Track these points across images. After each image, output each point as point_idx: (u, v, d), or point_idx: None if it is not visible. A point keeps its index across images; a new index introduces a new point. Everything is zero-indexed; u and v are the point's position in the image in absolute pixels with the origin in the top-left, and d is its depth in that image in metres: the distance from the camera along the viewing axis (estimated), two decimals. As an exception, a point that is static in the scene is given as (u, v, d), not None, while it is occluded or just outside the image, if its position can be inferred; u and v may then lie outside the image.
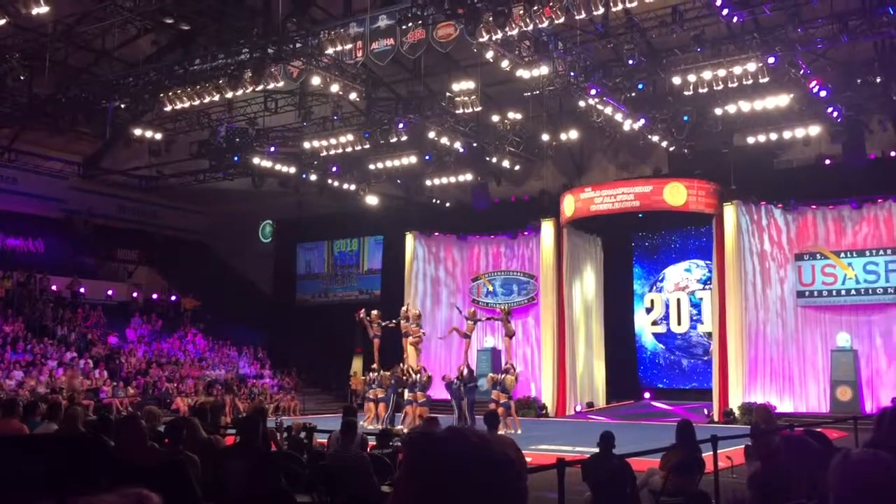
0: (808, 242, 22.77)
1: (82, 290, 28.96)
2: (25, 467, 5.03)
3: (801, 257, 22.75)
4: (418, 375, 20.73)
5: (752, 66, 17.23)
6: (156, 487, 4.63)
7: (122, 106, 21.19)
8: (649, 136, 21.98)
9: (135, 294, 30.81)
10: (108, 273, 31.21)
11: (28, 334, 24.61)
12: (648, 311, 27.44)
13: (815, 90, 18.94)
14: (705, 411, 22.53)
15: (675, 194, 23.04)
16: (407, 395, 20.54)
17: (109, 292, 30.09)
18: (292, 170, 25.43)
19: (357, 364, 27.24)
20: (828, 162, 22.75)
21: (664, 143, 22.57)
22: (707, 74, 17.67)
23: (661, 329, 27.23)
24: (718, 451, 9.19)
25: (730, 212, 22.75)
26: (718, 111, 20.08)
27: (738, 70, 17.37)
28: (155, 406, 17.82)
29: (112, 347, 26.18)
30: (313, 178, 25.83)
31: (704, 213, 23.30)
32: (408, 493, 1.23)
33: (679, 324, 26.84)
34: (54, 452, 5.69)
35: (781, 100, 19.19)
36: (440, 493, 1.20)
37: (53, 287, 28.28)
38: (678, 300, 26.89)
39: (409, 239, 27.92)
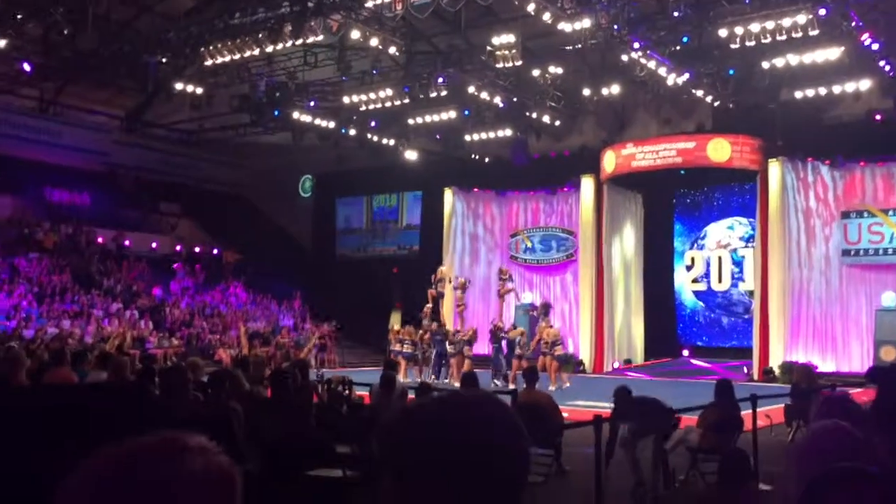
0: (856, 200, 22.28)
1: (127, 242, 29.50)
2: (76, 416, 5.17)
3: (848, 215, 22.28)
4: (461, 332, 21.06)
5: (801, 19, 16.71)
6: (200, 436, 4.73)
7: (164, 60, 21.31)
8: (693, 91, 21.54)
9: (178, 247, 31.30)
10: (151, 226, 31.71)
11: (75, 285, 25.21)
12: (689, 268, 27.18)
13: (866, 43, 18.34)
14: (745, 369, 22.39)
15: (719, 150, 22.65)
16: (450, 349, 20.72)
17: (153, 245, 30.61)
18: (331, 124, 25.43)
19: (395, 318, 27.46)
20: (878, 118, 22.11)
21: (708, 98, 22.10)
22: (755, 27, 17.18)
23: (701, 287, 26.98)
24: (758, 410, 9.16)
25: (775, 168, 22.32)
26: (766, 65, 19.54)
27: (786, 22, 16.86)
28: (198, 357, 18.24)
29: (156, 299, 26.72)
30: (352, 132, 25.82)
31: (749, 170, 22.90)
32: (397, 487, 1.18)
33: (720, 282, 26.55)
34: (104, 401, 5.84)
35: (831, 53, 18.61)
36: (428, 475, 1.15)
37: (99, 239, 28.85)
38: (719, 258, 26.58)
39: (448, 194, 27.89)
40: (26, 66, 22.27)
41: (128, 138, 30.97)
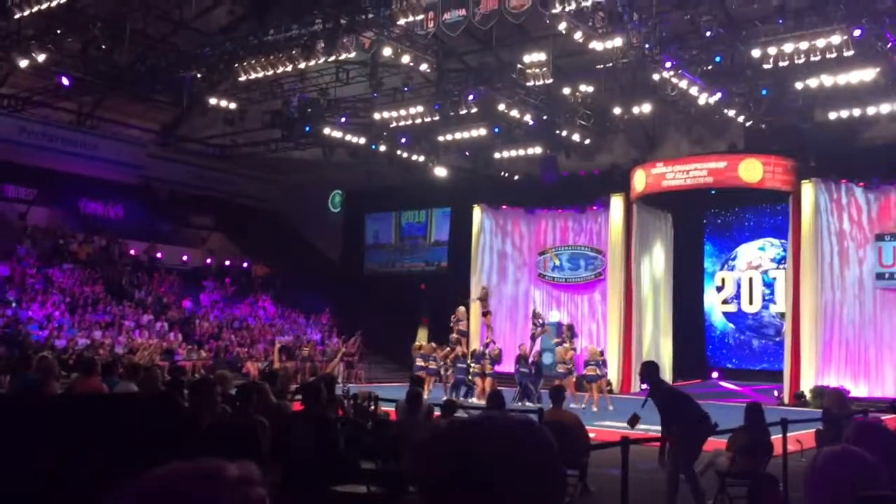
0: (890, 222, 21.95)
1: (159, 254, 29.86)
2: (106, 427, 5.23)
3: (882, 237, 21.94)
4: (487, 349, 21.08)
5: (836, 39, 16.56)
6: (226, 449, 4.77)
7: (199, 75, 21.62)
8: (725, 111, 21.40)
9: (208, 260, 31.60)
10: (183, 239, 32.07)
11: (107, 296, 25.54)
12: (719, 289, 26.93)
13: (902, 64, 18.13)
14: (775, 393, 22.07)
15: (751, 171, 22.46)
16: (474, 366, 20.72)
17: (184, 258, 30.94)
18: (362, 140, 25.59)
19: (422, 335, 27.48)
20: (915, 139, 21.82)
21: (740, 118, 21.95)
22: (788, 47, 17.04)
23: (731, 308, 26.70)
24: (788, 435, 9.02)
25: (808, 189, 22.08)
26: (799, 85, 19.36)
27: (821, 43, 16.71)
28: (226, 369, 18.36)
29: (186, 311, 26.97)
30: (383, 148, 25.96)
31: (781, 191, 22.67)
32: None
33: (751, 303, 26.27)
34: (133, 412, 5.90)
35: (866, 74, 18.39)
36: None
37: (132, 251, 29.24)
38: (750, 279, 26.30)
39: (477, 211, 27.91)
40: (65, 80, 22.70)
41: (162, 152, 31.40)
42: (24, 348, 18.28)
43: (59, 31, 19.05)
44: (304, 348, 25.85)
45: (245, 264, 32.16)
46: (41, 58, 19.54)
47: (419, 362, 21.25)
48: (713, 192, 23.78)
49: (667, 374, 25.55)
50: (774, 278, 25.60)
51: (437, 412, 9.72)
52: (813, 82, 18.96)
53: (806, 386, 21.29)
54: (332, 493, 6.05)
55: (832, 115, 20.98)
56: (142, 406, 6.40)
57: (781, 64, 17.39)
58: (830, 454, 2.10)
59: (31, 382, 8.68)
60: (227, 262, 31.89)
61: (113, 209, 30.61)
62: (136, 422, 5.62)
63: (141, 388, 9.15)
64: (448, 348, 21.68)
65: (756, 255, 26.40)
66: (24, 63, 19.77)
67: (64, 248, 27.24)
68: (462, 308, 23.69)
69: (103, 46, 19.30)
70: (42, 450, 4.64)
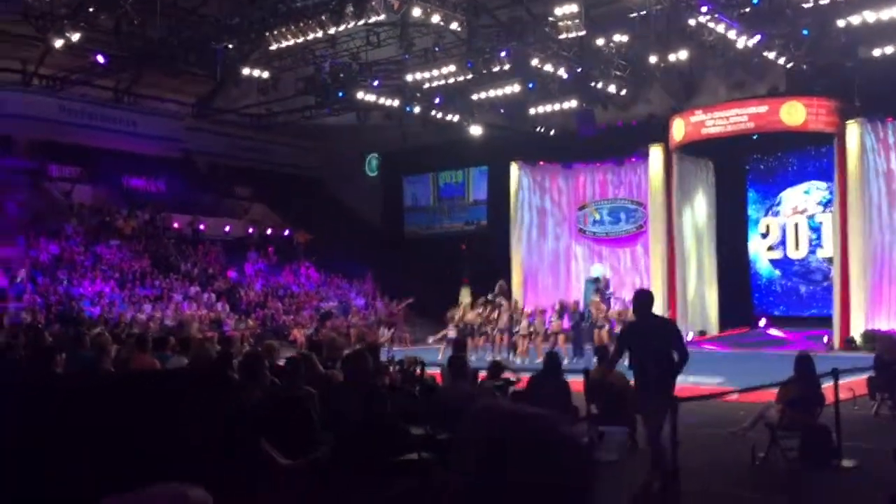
0: (941, 160, 21.36)
1: (201, 227, 30.24)
2: (159, 404, 5.35)
3: (932, 176, 21.38)
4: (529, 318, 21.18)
5: (879, -27, 15.98)
6: (277, 422, 4.84)
7: (230, 46, 21.64)
8: (765, 54, 20.84)
9: (250, 230, 31.94)
10: (224, 210, 32.41)
11: (154, 270, 26.01)
12: (764, 236, 26.51)
13: (951, -6, 17.45)
14: (825, 339, 21.79)
15: (793, 113, 21.94)
16: (522, 326, 20.86)
17: (227, 228, 31.30)
18: (396, 103, 25.48)
19: (465, 294, 27.55)
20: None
21: (781, 60, 21.35)
22: (829, -16, 16.50)
23: (777, 255, 26.29)
24: (840, 383, 8.92)
25: (853, 130, 21.53)
26: (841, 23, 18.74)
27: (863, -23, 16.15)
28: (273, 338, 18.62)
29: (231, 281, 27.37)
30: (417, 110, 25.83)
31: (825, 133, 22.13)
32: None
33: (797, 249, 25.83)
34: (186, 388, 6.02)
35: (912, 7, 17.76)
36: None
37: (175, 224, 29.65)
38: (796, 224, 25.83)
39: (514, 169, 27.74)
40: (100, 58, 22.88)
41: (200, 125, 31.63)
42: (78, 325, 18.73)
43: (91, 9, 19.14)
44: (352, 316, 26.12)
45: (287, 232, 32.44)
46: (75, 37, 19.67)
47: (453, 328, 21.39)
48: (755, 137, 23.29)
49: (713, 323, 25.43)
50: (821, 222, 25.10)
51: (482, 373, 9.79)
52: (855, 19, 18.34)
53: (856, 331, 20.99)
54: (383, 462, 6.13)
55: (877, 52, 20.31)
56: (193, 382, 6.53)
57: (822, 2, 16.85)
58: None
59: (86, 361, 8.91)
60: (269, 231, 32.20)
61: (155, 184, 31.01)
62: (187, 398, 5.74)
63: (192, 363, 9.35)
64: (490, 310, 21.70)
65: (801, 199, 25.88)
66: (58, 43, 19.94)
67: (110, 224, 27.72)
68: (502, 282, 23.63)
69: (135, 22, 19.38)
70: (97, 430, 4.76)
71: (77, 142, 28.22)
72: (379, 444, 6.13)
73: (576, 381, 9.05)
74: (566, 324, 20.64)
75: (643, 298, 7.59)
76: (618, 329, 19.55)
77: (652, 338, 7.13)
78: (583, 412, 8.43)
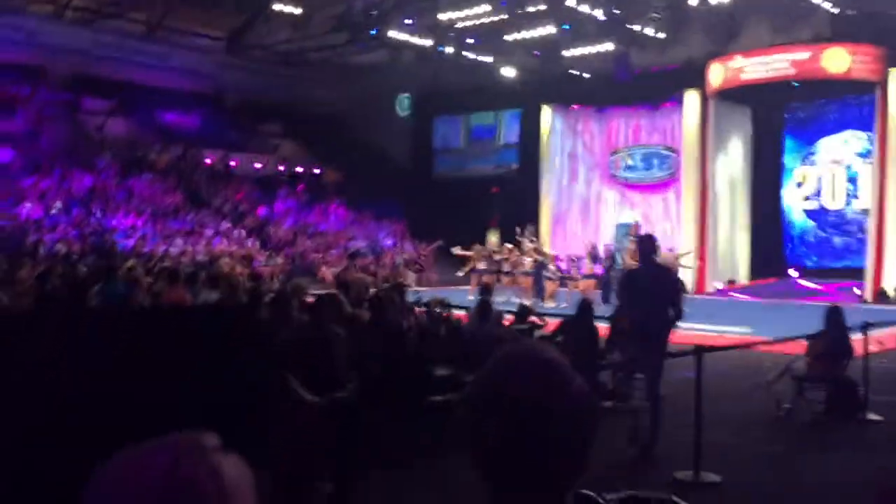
0: None
1: (232, 163, 30.34)
2: (189, 339, 5.44)
3: (977, 128, 20.79)
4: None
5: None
6: (303, 360, 4.89)
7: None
8: (810, -3, 20.23)
9: (281, 167, 32.00)
10: (255, 147, 32.44)
11: (187, 204, 26.24)
12: (799, 185, 26.07)
13: None
14: (856, 290, 21.56)
15: (836, 60, 21.35)
16: (551, 270, 20.87)
17: (257, 165, 31.38)
18: (428, 42, 25.17)
19: (493, 237, 27.53)
20: None
21: (826, 5, 20.73)
22: (881, -75, 15.88)
23: (812, 205, 25.89)
24: (870, 335, 8.84)
25: (898, 78, 20.94)
26: (891, -34, 18.11)
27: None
28: (301, 277, 18.78)
29: (261, 219, 27.55)
30: (449, 50, 25.49)
31: (868, 81, 21.54)
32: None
33: (833, 199, 25.40)
34: (216, 324, 6.11)
35: (968, -49, 17.07)
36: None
37: (207, 160, 29.77)
38: (833, 174, 25.35)
39: (546, 112, 27.39)
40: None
41: (231, 60, 31.49)
42: (112, 257, 19.00)
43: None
44: (384, 257, 26.23)
45: (316, 171, 32.46)
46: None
47: (482, 265, 21.46)
48: (795, 84, 22.74)
49: (742, 273, 25.23)
50: (858, 172, 24.61)
51: (509, 317, 9.82)
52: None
53: (889, 283, 20.75)
54: (406, 401, 6.21)
55: (927, -2, 19.64)
56: (222, 317, 6.62)
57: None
58: None
59: (119, 294, 9.06)
60: (299, 169, 32.23)
61: (187, 118, 31.05)
62: (216, 333, 5.83)
63: (222, 298, 9.47)
64: (518, 251, 21.67)
65: (839, 148, 25.34)
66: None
67: (142, 158, 27.90)
68: (531, 227, 23.52)
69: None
70: (129, 362, 4.86)
71: (109, 75, 28.25)
72: (403, 385, 6.21)
73: (601, 327, 9.07)
74: (598, 269, 20.57)
75: (647, 245, 7.38)
76: None
77: (653, 287, 6.94)
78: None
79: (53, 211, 22.75)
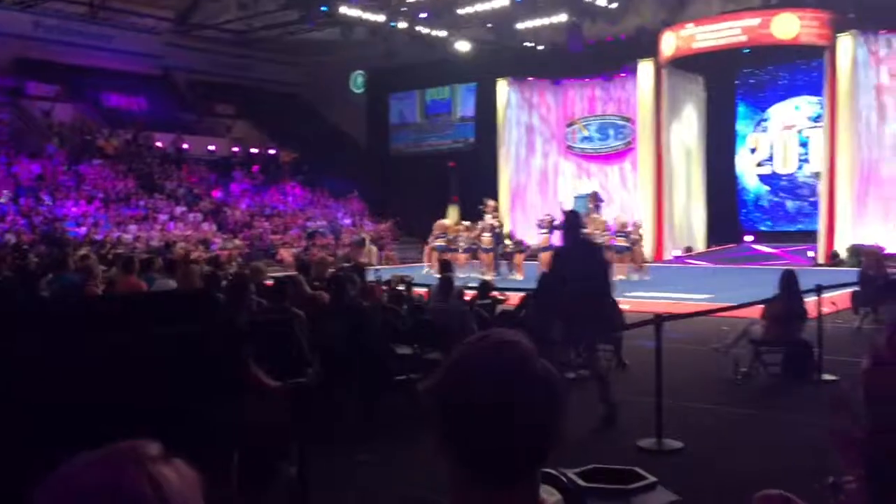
0: (932, 73, 21.19)
1: (185, 146, 29.84)
2: (146, 328, 5.33)
3: (923, 90, 21.23)
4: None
5: None
6: (266, 344, 4.83)
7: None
8: (758, -37, 20.38)
9: (235, 148, 31.56)
10: (207, 128, 31.95)
11: (139, 190, 25.76)
12: (752, 151, 26.43)
13: None
14: (810, 253, 21.99)
15: (785, 26, 21.59)
16: (509, 243, 20.92)
17: (211, 147, 30.91)
18: (381, 18, 24.86)
19: (453, 213, 27.52)
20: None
21: (775, -29, 20.92)
22: None
23: (765, 170, 26.28)
24: (824, 297, 9.01)
25: (846, 43, 21.25)
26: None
27: None
28: (260, 259, 18.60)
29: (217, 201, 27.18)
30: (402, 25, 25.22)
31: (817, 46, 21.83)
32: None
33: (785, 164, 25.81)
34: (171, 311, 6.01)
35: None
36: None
37: (158, 143, 29.22)
38: (784, 139, 25.74)
39: (502, 85, 27.34)
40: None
41: (179, 40, 30.88)
42: (64, 246, 18.62)
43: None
44: (343, 235, 26.09)
45: (272, 151, 32.09)
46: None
47: (440, 242, 21.42)
48: (746, 51, 22.96)
49: (699, 241, 25.57)
50: (809, 137, 25.02)
51: (470, 293, 9.82)
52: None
53: (841, 245, 21.16)
54: (371, 381, 6.19)
55: (872, -38, 19.91)
56: (180, 304, 6.51)
57: None
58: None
59: (72, 284, 8.86)
60: (254, 150, 31.84)
61: (135, 101, 30.43)
62: (174, 320, 5.73)
63: (179, 284, 9.32)
64: (478, 227, 21.67)
65: (790, 114, 25.72)
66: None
67: (91, 143, 27.30)
68: (492, 201, 23.44)
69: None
70: (83, 353, 4.75)
71: (53, 59, 27.54)
72: (366, 365, 6.18)
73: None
74: (556, 240, 20.62)
75: (573, 221, 7.15)
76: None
77: (580, 264, 6.76)
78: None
79: (1, 200, 22.19)
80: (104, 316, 5.67)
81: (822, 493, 1.93)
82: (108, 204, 24.22)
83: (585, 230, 7.11)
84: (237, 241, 24.49)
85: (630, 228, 19.71)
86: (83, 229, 22.15)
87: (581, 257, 6.87)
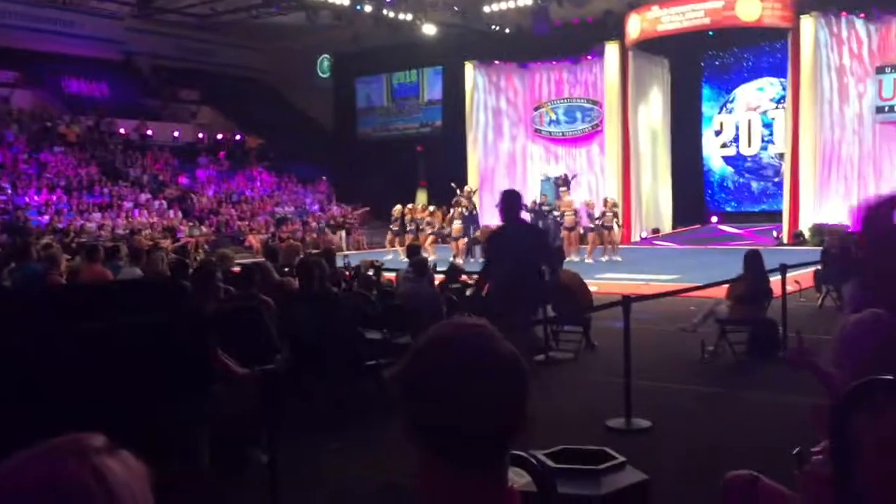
0: (891, 53, 21.49)
1: (149, 132, 29.43)
2: (111, 316, 5.27)
3: (883, 70, 21.53)
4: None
5: None
6: (233, 331, 4.79)
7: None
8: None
9: (200, 134, 31.19)
10: (172, 114, 31.53)
11: (102, 178, 25.37)
12: (717, 133, 26.69)
13: None
14: (774, 233, 22.30)
15: (749, 8, 21.77)
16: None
17: (175, 133, 30.52)
18: (346, 2, 24.67)
19: (421, 197, 27.49)
20: (918, -36, 21.00)
21: (738, -47, 21.05)
22: None
23: (730, 151, 26.56)
24: (787, 276, 9.15)
25: (807, 24, 21.48)
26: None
27: None
28: (228, 246, 18.43)
29: (183, 188, 26.87)
30: (368, 9, 25.05)
31: (780, 28, 22.05)
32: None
33: (749, 145, 26.10)
34: (137, 299, 5.94)
35: None
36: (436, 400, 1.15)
37: (121, 130, 28.78)
38: (749, 121, 26.01)
39: (469, 69, 27.27)
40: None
41: (141, 25, 30.36)
42: (26, 235, 18.31)
43: None
44: (311, 220, 25.94)
45: (238, 137, 31.76)
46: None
47: (410, 226, 21.42)
48: (710, 33, 23.13)
49: (666, 222, 25.81)
50: (773, 118, 25.31)
51: (441, 277, 9.83)
52: None
53: (805, 225, 21.49)
54: (340, 367, 6.17)
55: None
56: (146, 293, 6.43)
57: None
58: (859, 322, 2.07)
59: (35, 273, 8.72)
60: (220, 136, 31.49)
61: (97, 87, 29.92)
62: (140, 309, 5.66)
63: (145, 272, 9.22)
64: (449, 212, 21.64)
65: (755, 95, 25.99)
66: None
67: (52, 130, 26.82)
68: (469, 186, 23.37)
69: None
70: (46, 343, 4.68)
71: (11, 44, 26.93)
72: (336, 350, 6.17)
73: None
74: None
75: (511, 201, 6.89)
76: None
77: (517, 245, 6.53)
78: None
79: (-39, 189, 21.77)
80: (68, 305, 5.59)
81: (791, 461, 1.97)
82: (71, 192, 23.84)
83: (523, 210, 6.93)
84: (204, 229, 24.26)
85: (604, 209, 19.70)
86: (45, 218, 21.80)
87: (515, 237, 6.67)
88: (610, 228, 19.47)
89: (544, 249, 7.08)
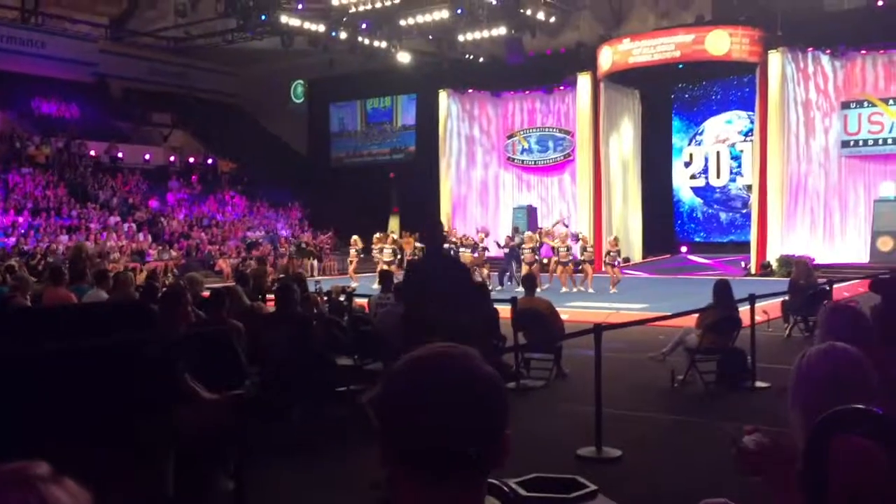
0: (856, 90, 21.97)
1: (119, 154, 29.19)
2: (77, 340, 5.18)
3: (848, 105, 22.01)
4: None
5: None
6: (202, 356, 4.73)
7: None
8: (692, -19, 20.90)
9: (172, 158, 31.00)
10: (143, 137, 31.33)
11: (71, 200, 25.08)
12: (687, 164, 27.06)
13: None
14: (742, 264, 22.56)
15: (718, 43, 22.17)
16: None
17: (146, 156, 30.30)
18: (321, 28, 24.77)
19: (394, 223, 27.47)
20: (880, 3, 21.56)
21: (708, -11, 21.47)
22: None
23: (699, 183, 26.91)
24: (756, 306, 9.23)
25: (775, 59, 21.91)
26: (767, -48, 18.89)
27: None
28: (198, 270, 18.26)
29: (153, 211, 26.64)
30: (343, 35, 25.16)
31: (748, 62, 22.48)
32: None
33: (718, 177, 26.48)
34: (103, 323, 5.85)
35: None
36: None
37: (91, 152, 28.53)
38: (718, 153, 26.42)
39: (443, 97, 27.45)
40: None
41: (114, 47, 30.25)
42: (-9, 257, 18.01)
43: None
44: (281, 246, 25.78)
45: (210, 160, 31.61)
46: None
47: (385, 255, 21.13)
48: (680, 66, 23.52)
49: (636, 251, 26.00)
50: (742, 151, 25.73)
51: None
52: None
53: (772, 256, 21.75)
54: (309, 391, 6.11)
55: (800, -18, 20.59)
56: (112, 316, 6.33)
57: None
58: (817, 354, 2.09)
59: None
60: (192, 160, 31.31)
61: (68, 109, 29.67)
62: (106, 332, 5.57)
63: (112, 295, 9.08)
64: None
65: (723, 128, 26.42)
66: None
67: (21, 151, 26.51)
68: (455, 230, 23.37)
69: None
70: (8, 369, 4.59)
71: (-20, 65, 26.71)
72: (306, 376, 6.10)
73: (503, 309, 9.14)
74: (497, 252, 20.70)
75: (434, 233, 6.53)
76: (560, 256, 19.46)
77: (439, 280, 6.03)
78: (510, 340, 8.55)
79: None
80: (30, 328, 5.49)
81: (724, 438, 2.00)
82: (38, 213, 23.53)
83: (445, 242, 6.52)
84: (173, 252, 24.02)
85: (579, 242, 19.81)
86: (12, 240, 21.48)
87: (438, 273, 6.20)
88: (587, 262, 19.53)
89: (458, 281, 6.41)
